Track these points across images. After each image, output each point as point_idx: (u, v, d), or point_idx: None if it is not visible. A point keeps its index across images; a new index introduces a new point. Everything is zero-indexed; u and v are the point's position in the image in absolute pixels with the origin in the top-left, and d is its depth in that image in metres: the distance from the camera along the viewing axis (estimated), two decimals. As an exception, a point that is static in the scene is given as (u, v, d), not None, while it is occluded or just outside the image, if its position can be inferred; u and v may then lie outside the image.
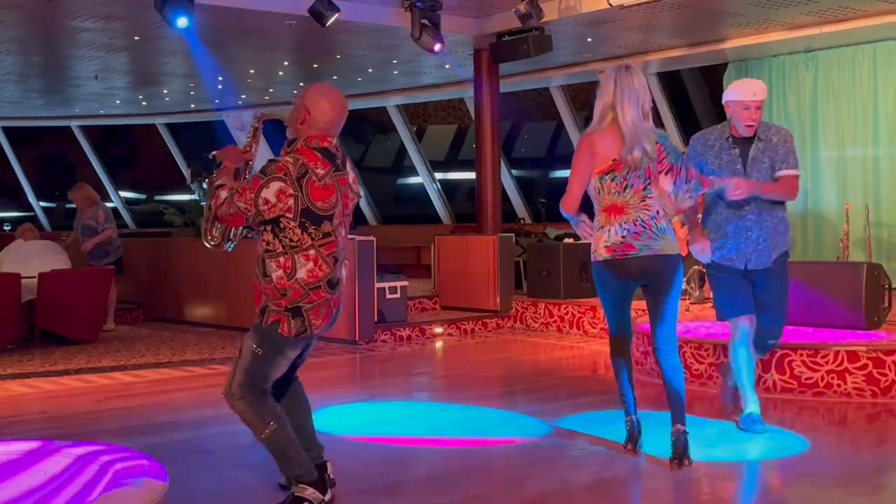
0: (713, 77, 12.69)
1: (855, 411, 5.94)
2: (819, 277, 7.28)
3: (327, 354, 8.78)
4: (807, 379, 6.33)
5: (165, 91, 15.46)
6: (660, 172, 4.63)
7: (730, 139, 5.26)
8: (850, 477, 4.62)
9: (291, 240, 3.92)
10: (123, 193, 20.59)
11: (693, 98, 13.19)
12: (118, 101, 16.38)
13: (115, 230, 10.57)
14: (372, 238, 9.34)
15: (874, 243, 10.01)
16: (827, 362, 6.29)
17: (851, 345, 6.36)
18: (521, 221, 14.43)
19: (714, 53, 11.61)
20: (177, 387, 7.33)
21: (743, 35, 11.01)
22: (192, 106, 17.08)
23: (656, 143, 4.68)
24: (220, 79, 14.05)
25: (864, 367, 6.21)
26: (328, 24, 9.34)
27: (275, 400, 4.09)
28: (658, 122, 12.98)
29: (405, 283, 10.05)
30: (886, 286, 7.20)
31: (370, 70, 13.43)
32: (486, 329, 10.36)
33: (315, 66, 13.31)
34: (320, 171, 3.92)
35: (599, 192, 4.62)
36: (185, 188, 19.63)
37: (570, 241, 10.78)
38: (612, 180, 4.58)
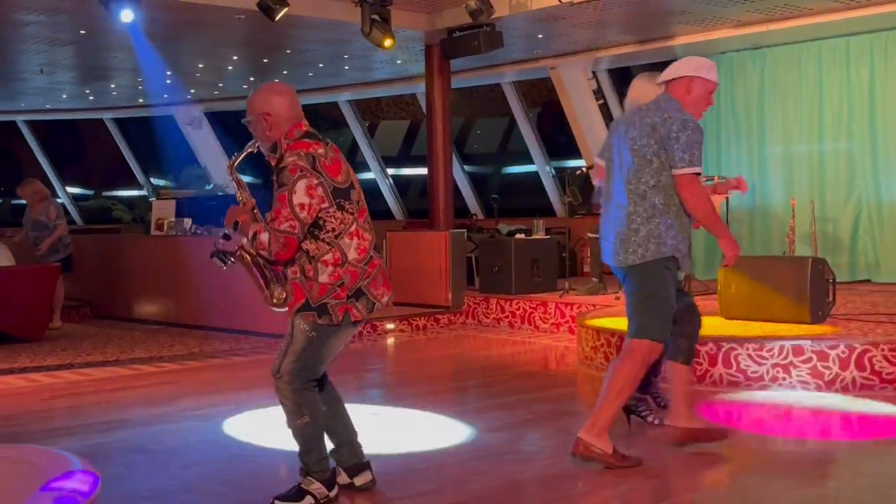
0: (663, 74, 12.79)
1: (800, 404, 6.03)
2: (765, 272, 7.37)
3: (275, 351, 8.71)
4: (752, 372, 6.41)
5: (113, 85, 15.24)
6: None
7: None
8: (795, 468, 4.68)
9: (335, 229, 3.91)
10: (71, 189, 20.27)
11: (643, 94, 13.28)
12: (64, 96, 16.11)
13: (66, 227, 10.42)
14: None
15: (819, 238, 10.15)
16: (772, 356, 6.37)
17: (797, 338, 6.44)
18: (474, 217, 14.45)
19: (663, 50, 11.71)
20: (124, 385, 7.24)
21: (691, 32, 11.12)
22: (141, 101, 16.87)
23: None
24: (169, 73, 13.88)
25: (809, 360, 6.30)
26: (277, 18, 9.27)
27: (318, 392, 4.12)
28: (609, 118, 13.07)
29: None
30: (831, 280, 7.30)
31: (321, 65, 13.35)
32: (438, 325, 10.36)
33: (265, 60, 13.21)
34: (321, 151, 3.92)
35: None
36: (134, 184, 19.40)
37: (522, 236, 10.81)
38: None
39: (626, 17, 10.47)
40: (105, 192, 20.37)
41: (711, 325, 7.22)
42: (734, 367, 6.46)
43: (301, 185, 3.82)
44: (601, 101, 13.06)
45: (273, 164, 3.97)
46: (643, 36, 11.44)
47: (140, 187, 19.34)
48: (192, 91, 15.82)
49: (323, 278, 3.92)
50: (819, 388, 6.24)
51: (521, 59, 12.78)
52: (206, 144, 17.55)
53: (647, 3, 9.83)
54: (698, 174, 4.43)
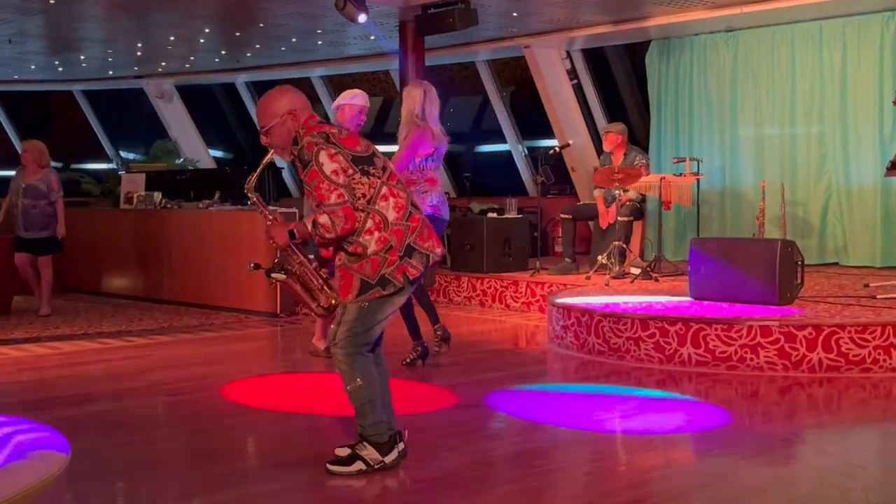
0: (637, 55, 12.80)
1: (767, 384, 6.09)
2: (734, 253, 7.42)
3: (248, 327, 8.69)
4: (721, 353, 6.46)
5: (83, 57, 15.04)
6: None
7: None
8: (762, 448, 4.73)
9: (365, 195, 4.00)
10: (39, 161, 20.01)
11: (617, 76, 13.29)
12: (33, 67, 15.87)
13: None
14: (295, 210, 9.25)
15: (789, 220, 10.22)
16: (741, 336, 6.42)
17: (764, 320, 6.50)
18: (446, 195, 14.42)
19: (637, 31, 11.70)
20: (92, 359, 7.18)
21: (666, 13, 11.11)
22: (111, 73, 16.66)
23: None
24: (140, 45, 13.71)
25: (777, 341, 6.36)
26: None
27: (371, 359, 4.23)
28: (582, 99, 13.09)
29: (328, 255, 9.95)
30: (799, 263, 7.36)
31: (294, 40, 13.24)
32: (409, 302, 10.33)
33: (237, 34, 13.08)
34: (334, 131, 4.07)
35: (423, 169, 6.52)
36: (102, 157, 19.19)
37: (495, 215, 10.80)
38: (433, 161, 6.60)
39: (601, -2, 10.46)
40: (73, 165, 20.16)
41: (681, 306, 7.28)
42: (703, 348, 6.51)
43: (323, 155, 3.95)
44: (574, 81, 13.04)
45: (295, 154, 4.07)
46: (618, 16, 11.42)
47: (109, 160, 19.14)
48: (163, 64, 15.66)
49: (371, 248, 4.02)
50: (786, 369, 6.31)
51: (496, 37, 12.73)
52: (176, 118, 17.38)
53: (623, -17, 9.81)
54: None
